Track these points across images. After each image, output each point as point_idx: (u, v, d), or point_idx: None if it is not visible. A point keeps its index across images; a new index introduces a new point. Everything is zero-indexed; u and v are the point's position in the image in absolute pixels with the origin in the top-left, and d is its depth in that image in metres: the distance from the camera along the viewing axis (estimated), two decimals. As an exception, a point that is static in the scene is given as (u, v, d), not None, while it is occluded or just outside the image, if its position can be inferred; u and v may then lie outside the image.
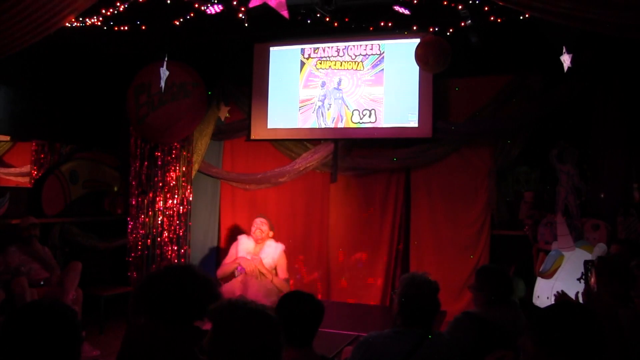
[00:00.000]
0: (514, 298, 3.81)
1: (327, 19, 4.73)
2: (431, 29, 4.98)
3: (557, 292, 2.59)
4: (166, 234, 6.19)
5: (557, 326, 1.54)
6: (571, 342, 1.51)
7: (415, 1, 4.37)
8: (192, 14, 4.67)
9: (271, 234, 5.25)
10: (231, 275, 5.06)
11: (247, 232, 5.37)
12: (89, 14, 4.51)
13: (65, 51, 5.67)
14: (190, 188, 6.21)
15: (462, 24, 4.72)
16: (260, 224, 5.19)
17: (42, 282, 4.99)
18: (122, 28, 5.00)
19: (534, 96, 5.35)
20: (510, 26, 4.73)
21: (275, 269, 5.07)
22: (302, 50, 6.02)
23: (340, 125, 5.85)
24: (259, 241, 5.15)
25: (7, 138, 5.79)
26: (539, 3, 3.50)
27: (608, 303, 2.59)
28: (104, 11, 4.55)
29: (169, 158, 6.21)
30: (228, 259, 5.19)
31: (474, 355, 2.53)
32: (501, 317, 2.72)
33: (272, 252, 5.08)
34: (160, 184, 6.18)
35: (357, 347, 2.41)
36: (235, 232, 5.96)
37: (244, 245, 5.16)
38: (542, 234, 4.97)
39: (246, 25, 4.64)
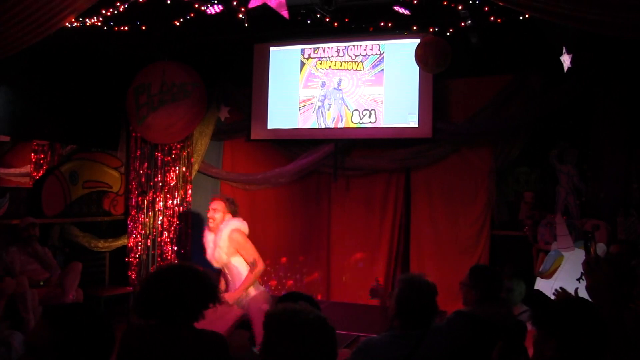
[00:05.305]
0: (516, 299, 3.83)
1: (327, 19, 4.73)
2: (431, 29, 4.98)
3: (557, 289, 2.58)
4: (166, 234, 6.20)
5: (576, 322, 1.56)
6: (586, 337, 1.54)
7: (415, 1, 4.37)
8: (192, 14, 4.68)
9: (229, 216, 4.12)
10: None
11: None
12: (89, 14, 4.51)
13: (65, 51, 5.66)
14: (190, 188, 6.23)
15: (462, 24, 4.72)
16: (212, 212, 4.08)
17: (41, 283, 4.98)
18: (122, 28, 5.00)
19: (534, 96, 5.35)
20: (510, 26, 4.73)
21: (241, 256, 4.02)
22: (302, 51, 6.02)
23: (340, 125, 5.85)
24: (213, 230, 4.09)
25: (7, 138, 5.79)
26: (539, 3, 3.50)
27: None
28: (104, 11, 4.55)
29: (169, 158, 6.23)
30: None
31: (469, 353, 2.53)
32: (492, 313, 2.75)
33: (222, 238, 3.99)
34: (160, 184, 6.19)
35: (355, 352, 2.39)
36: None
37: (207, 238, 4.15)
38: (542, 234, 4.97)
39: (246, 25, 4.64)
